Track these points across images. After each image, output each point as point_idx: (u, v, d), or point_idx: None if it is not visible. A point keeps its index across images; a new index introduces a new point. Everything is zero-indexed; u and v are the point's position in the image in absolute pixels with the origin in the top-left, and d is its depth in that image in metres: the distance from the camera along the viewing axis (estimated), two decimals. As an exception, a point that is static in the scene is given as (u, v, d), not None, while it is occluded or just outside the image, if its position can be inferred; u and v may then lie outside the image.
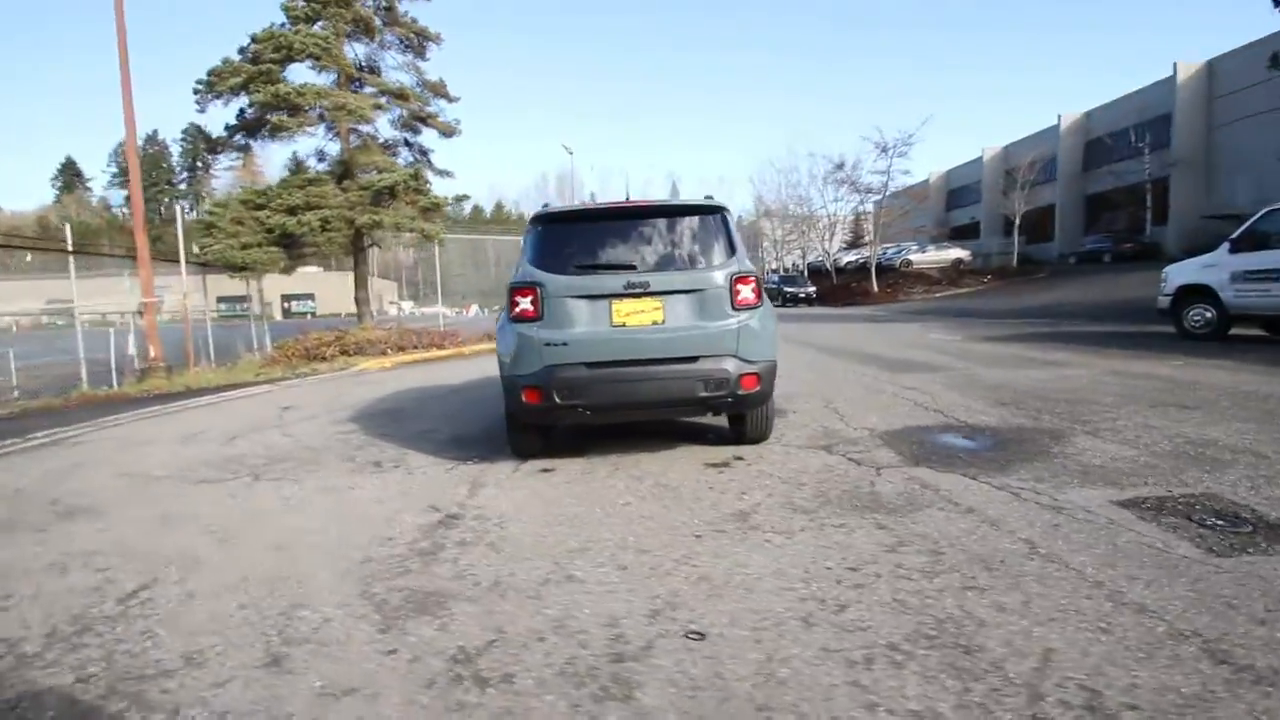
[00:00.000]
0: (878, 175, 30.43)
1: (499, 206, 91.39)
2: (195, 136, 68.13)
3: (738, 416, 4.42)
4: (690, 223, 3.98)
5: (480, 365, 10.89)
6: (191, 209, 68.02)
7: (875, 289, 29.40)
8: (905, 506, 3.16)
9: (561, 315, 3.83)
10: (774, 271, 40.11)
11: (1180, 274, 10.27)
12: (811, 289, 30.80)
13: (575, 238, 3.94)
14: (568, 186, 50.16)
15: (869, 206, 31.55)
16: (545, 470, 4.12)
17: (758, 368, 3.88)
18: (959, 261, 31.32)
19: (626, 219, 3.98)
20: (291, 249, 14.84)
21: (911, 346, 10.57)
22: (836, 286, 32.87)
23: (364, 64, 15.33)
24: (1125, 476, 3.47)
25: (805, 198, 37.94)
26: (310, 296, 53.89)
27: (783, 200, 41.79)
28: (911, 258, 31.50)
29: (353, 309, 16.78)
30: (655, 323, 3.84)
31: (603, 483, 3.78)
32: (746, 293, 3.92)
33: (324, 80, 14.45)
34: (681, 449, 4.51)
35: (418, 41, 15.75)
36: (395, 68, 15.79)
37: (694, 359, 3.85)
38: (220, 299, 26.51)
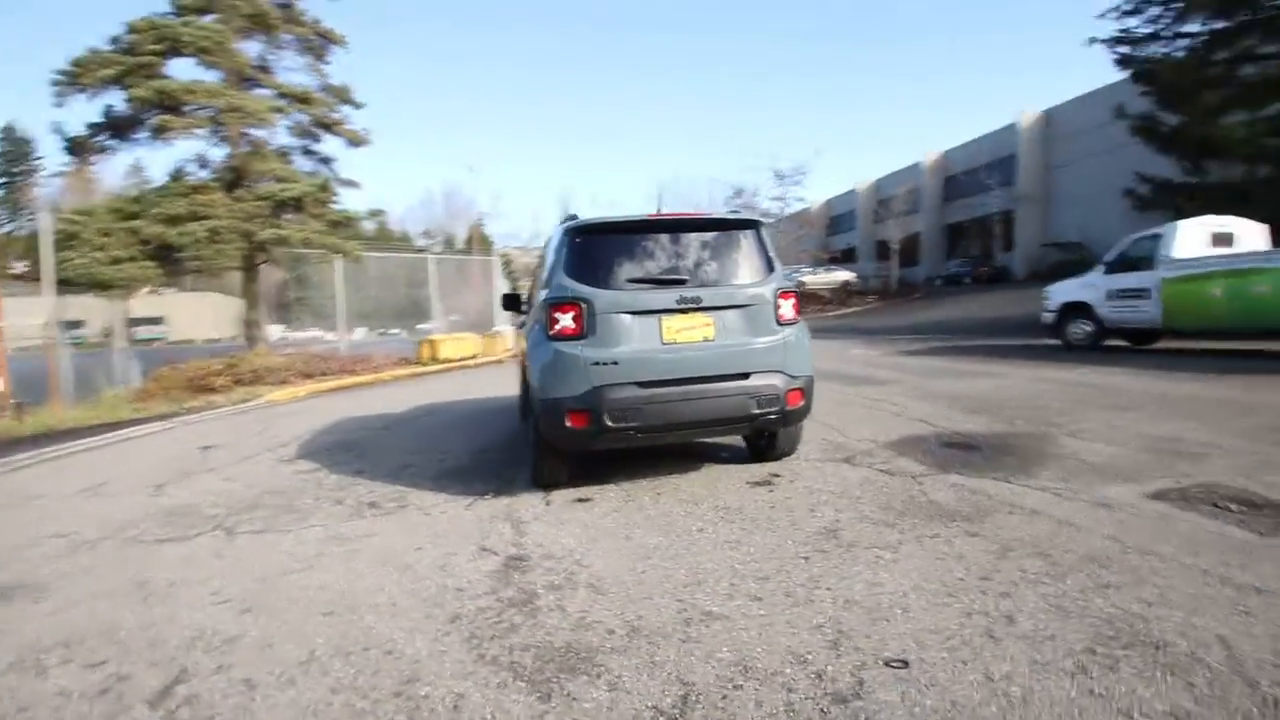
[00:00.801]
0: (776, 202, 32.28)
1: (382, 225, 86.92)
2: (10, 137, 58.93)
3: (759, 433, 4.37)
4: (731, 237, 3.92)
5: (412, 391, 10.14)
6: (8, 220, 58.58)
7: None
8: (975, 513, 3.25)
9: (609, 333, 3.62)
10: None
11: (1062, 293, 11.65)
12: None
13: (618, 250, 3.74)
14: (456, 205, 48.55)
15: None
16: (581, 500, 3.84)
17: (801, 383, 3.87)
18: (846, 283, 33.79)
19: (668, 231, 3.84)
20: (170, 264, 13.12)
21: (845, 362, 11.14)
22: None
23: (258, 64, 14.02)
24: (1133, 472, 3.80)
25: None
26: (159, 320, 47.71)
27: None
28: (804, 279, 33.47)
29: (213, 334, 15.13)
30: (706, 339, 3.72)
31: (656, 510, 3.58)
32: (788, 308, 3.91)
33: (211, 78, 13.03)
34: (707, 469, 4.39)
35: (319, 43, 14.67)
36: (293, 69, 14.59)
37: (745, 375, 3.77)
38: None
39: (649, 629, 2.26)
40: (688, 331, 3.68)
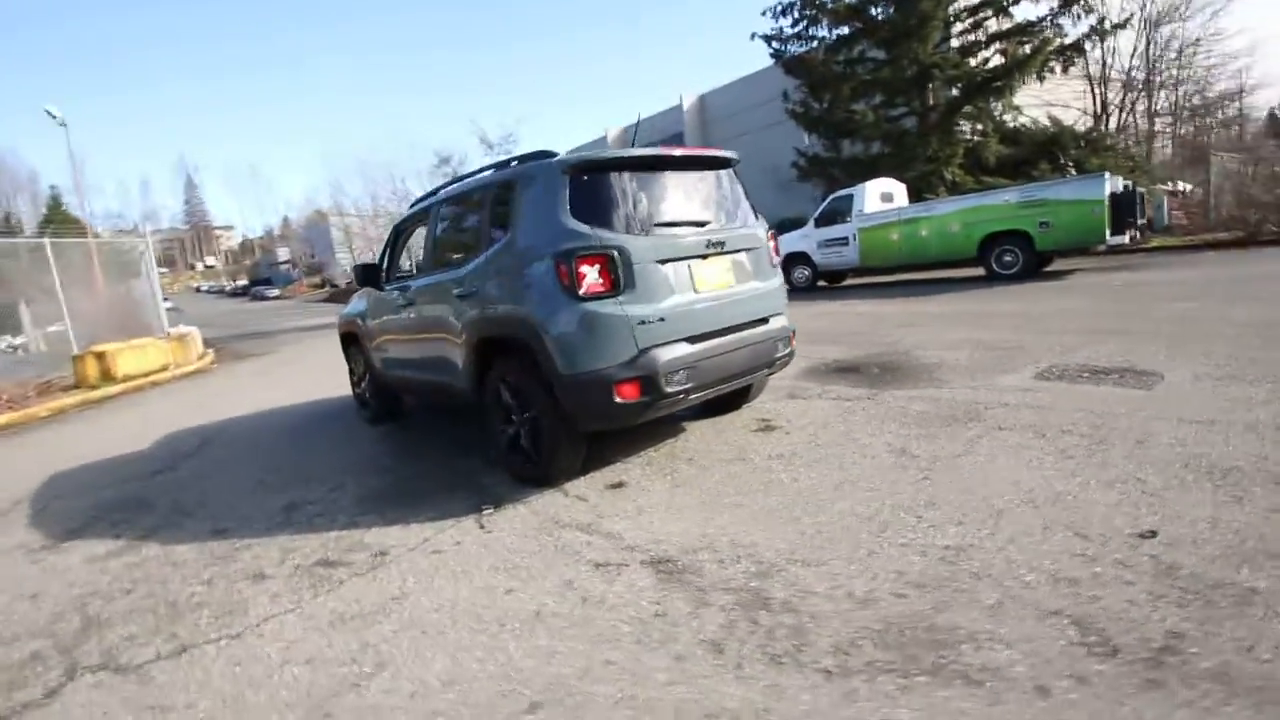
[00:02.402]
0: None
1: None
2: None
3: None
4: (720, 176, 3.62)
5: (110, 428, 7.22)
6: None
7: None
8: (965, 415, 3.73)
9: (647, 285, 3.07)
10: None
11: (786, 244, 13.90)
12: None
13: (627, 190, 3.14)
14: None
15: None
16: (615, 486, 3.27)
17: (793, 325, 3.88)
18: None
19: (672, 168, 3.36)
20: None
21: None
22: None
23: None
24: (999, 366, 4.81)
25: (408, 192, 36.06)
26: None
27: (375, 196, 38.83)
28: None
29: None
30: (728, 285, 3.43)
31: (710, 475, 3.25)
32: (772, 250, 3.84)
33: None
34: (694, 426, 4.14)
35: None
36: None
37: (766, 320, 3.61)
38: None
39: (918, 577, 2.07)
40: (714, 278, 3.36)
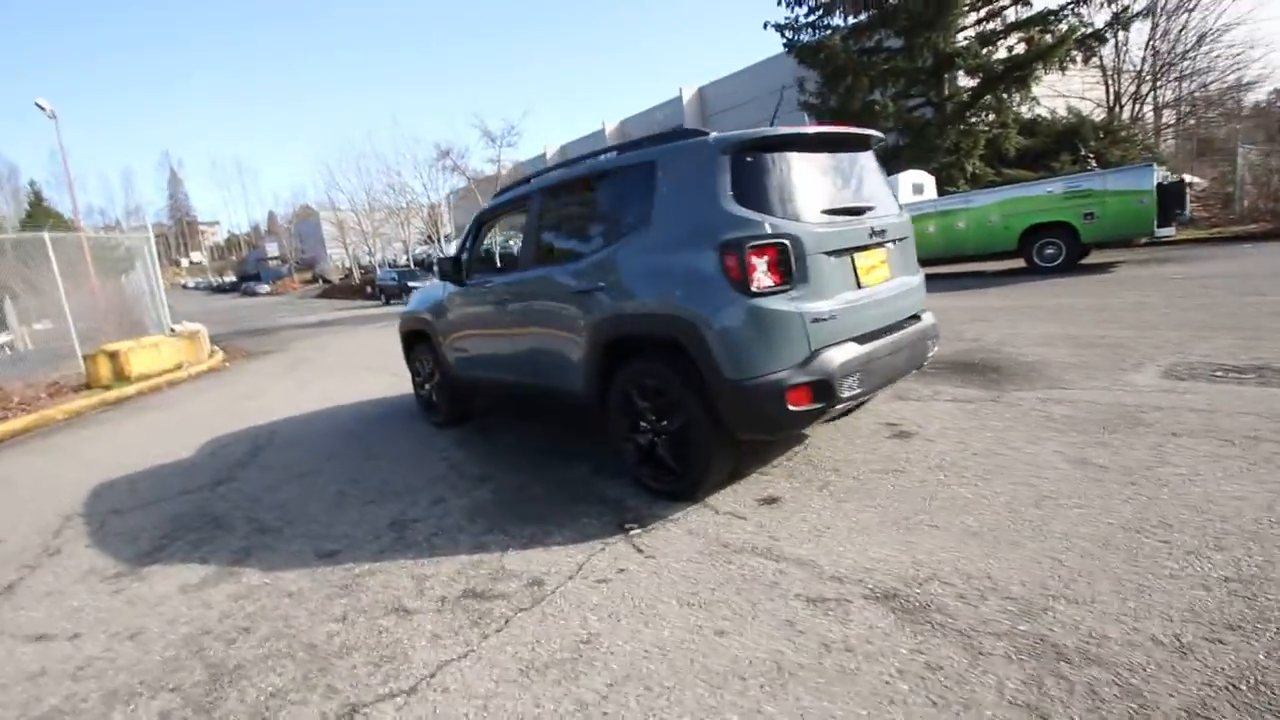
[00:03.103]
0: (490, 164, 30.49)
1: None
2: None
3: None
4: (868, 158, 3.29)
5: (138, 431, 6.79)
6: None
7: (501, 276, 29.90)
8: (1116, 420, 3.45)
9: (818, 279, 2.74)
10: (390, 267, 36.34)
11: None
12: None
13: (791, 172, 2.80)
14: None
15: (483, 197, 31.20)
16: (769, 500, 2.95)
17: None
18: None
19: (827, 148, 3.02)
20: None
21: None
22: (457, 277, 32.08)
23: None
24: (1116, 365, 4.54)
25: (405, 186, 35.40)
26: None
27: (371, 190, 38.06)
28: (523, 244, 32.94)
29: None
30: (886, 279, 3.11)
31: (881, 487, 2.94)
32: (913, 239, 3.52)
33: None
34: (819, 429, 3.83)
35: None
36: None
37: (918, 316, 3.31)
38: None
39: (1221, 617, 1.77)
40: (875, 271, 3.04)
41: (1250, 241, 12.25)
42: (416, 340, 5.18)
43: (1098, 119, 18.92)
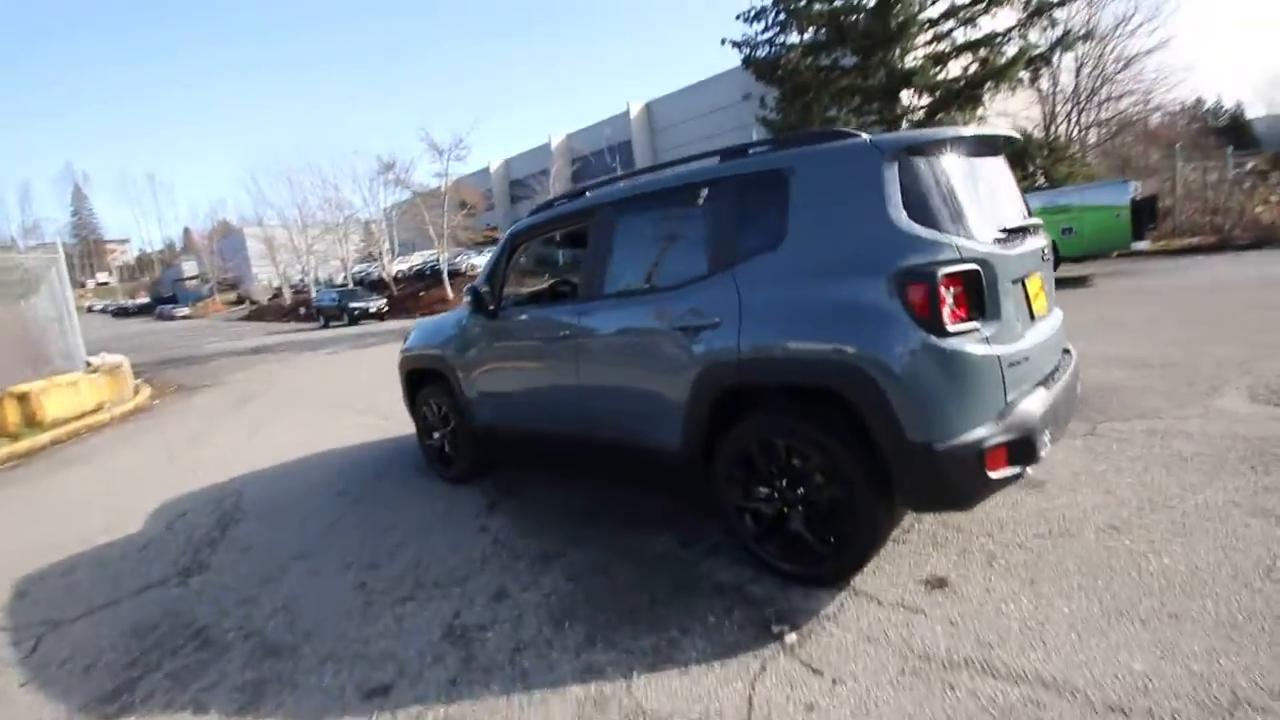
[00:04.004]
0: (438, 178, 29.19)
1: None
2: None
3: None
4: (1004, 163, 2.82)
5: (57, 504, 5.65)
6: None
7: (451, 295, 28.51)
8: None
9: (1005, 312, 2.24)
10: (329, 286, 34.18)
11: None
12: (381, 301, 27.59)
13: (957, 181, 2.29)
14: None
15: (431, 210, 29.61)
16: (935, 583, 2.40)
17: None
18: (515, 262, 33.27)
19: (979, 153, 2.52)
20: None
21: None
22: (403, 296, 30.40)
23: None
24: (1199, 383, 4.29)
25: (344, 201, 33.52)
26: None
27: (305, 205, 35.94)
28: (475, 261, 31.70)
29: None
30: (1047, 308, 2.65)
31: (1074, 559, 2.45)
32: None
33: None
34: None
35: None
36: None
37: (1069, 351, 2.86)
38: None
39: None
40: (1038, 299, 2.57)
41: (1202, 254, 12.82)
42: (426, 381, 4.39)
43: (1037, 138, 19.75)
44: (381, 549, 3.39)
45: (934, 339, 2.08)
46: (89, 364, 11.62)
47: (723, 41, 20.72)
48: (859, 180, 2.25)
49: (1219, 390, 4.24)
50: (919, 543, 2.71)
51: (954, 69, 18.60)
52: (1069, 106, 22.90)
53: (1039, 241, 2.62)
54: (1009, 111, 21.27)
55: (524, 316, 3.57)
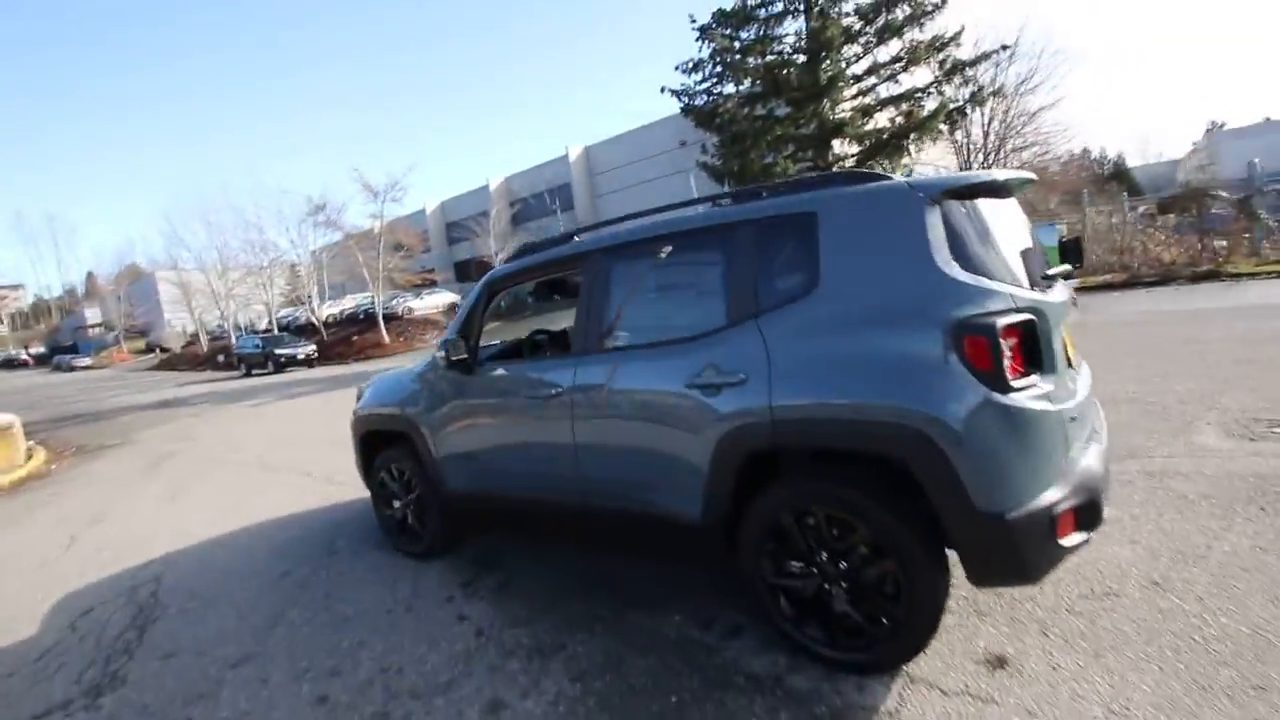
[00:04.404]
0: (373, 219, 28.26)
1: None
2: None
3: None
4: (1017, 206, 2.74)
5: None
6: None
7: (387, 339, 27.31)
8: (1281, 495, 3.11)
9: (1056, 363, 2.10)
10: (251, 332, 32.03)
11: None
12: (310, 347, 26.01)
13: (1001, 226, 2.15)
14: None
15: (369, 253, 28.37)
16: (996, 662, 2.17)
17: None
18: (454, 305, 32.43)
19: (1005, 194, 2.41)
20: None
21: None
22: (334, 341, 28.90)
23: None
24: (1169, 419, 4.37)
25: (269, 243, 31.90)
26: None
27: (225, 247, 34.06)
28: (412, 304, 30.67)
29: None
30: (1075, 361, 2.54)
31: (1131, 624, 2.27)
32: None
33: None
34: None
35: None
36: None
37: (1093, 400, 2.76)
38: None
39: None
40: (1069, 347, 2.46)
41: (1116, 290, 13.77)
42: (386, 444, 3.92)
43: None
44: (341, 648, 2.88)
45: (997, 396, 1.89)
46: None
47: (662, 90, 21.28)
48: (900, 225, 2.09)
49: (1193, 426, 4.32)
50: (961, 610, 2.50)
51: (881, 119, 19.72)
52: (980, 156, 24.63)
53: (1066, 289, 2.54)
54: (928, 160, 22.73)
55: (505, 372, 3.22)
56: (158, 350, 46.04)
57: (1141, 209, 20.63)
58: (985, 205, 2.19)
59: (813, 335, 2.16)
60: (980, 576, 2.02)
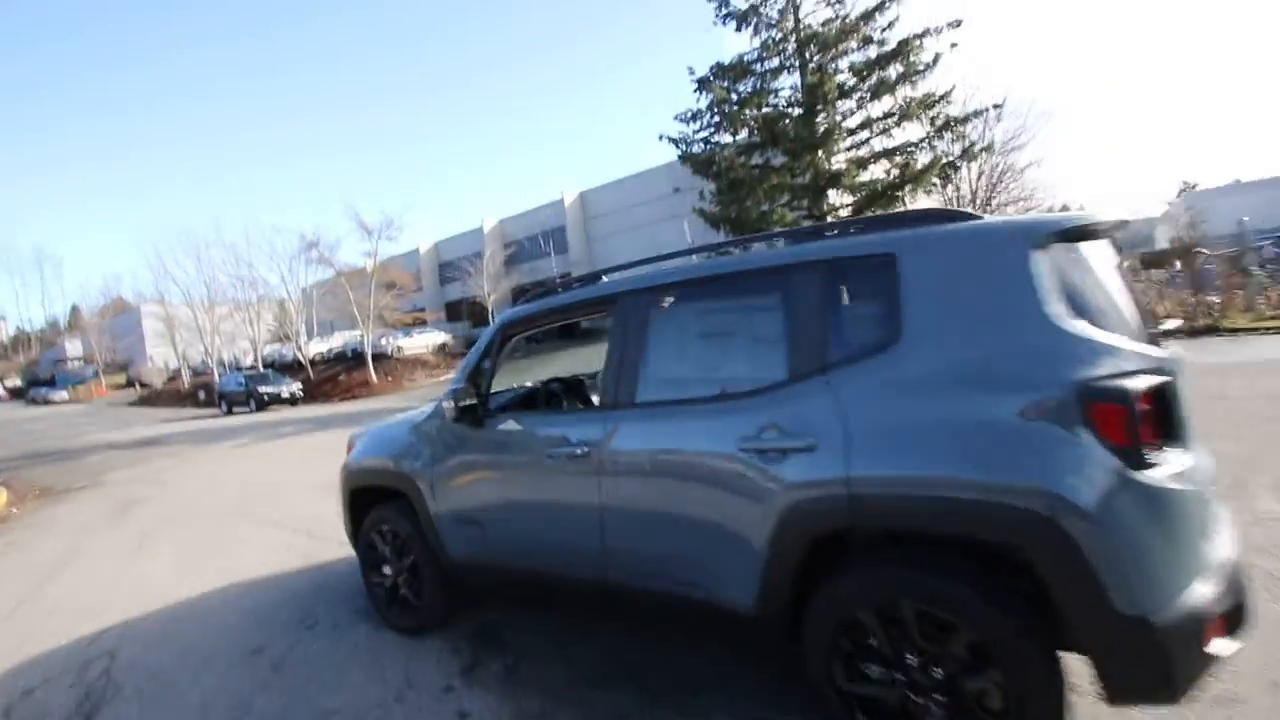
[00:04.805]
0: (367, 257, 28.06)
1: None
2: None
3: None
4: None
5: None
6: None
7: (374, 379, 26.74)
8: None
9: (1189, 434, 1.80)
10: (237, 369, 31.26)
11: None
12: (295, 386, 25.37)
13: (1112, 277, 1.89)
14: None
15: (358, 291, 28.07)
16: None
17: None
18: (444, 345, 32.02)
19: (1104, 235, 2.13)
20: None
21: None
22: (320, 380, 28.27)
23: None
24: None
25: (259, 279, 31.55)
26: None
27: (214, 282, 33.68)
28: (401, 343, 30.23)
29: None
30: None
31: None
32: None
33: None
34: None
35: None
36: None
37: None
38: None
39: None
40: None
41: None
42: (377, 501, 3.52)
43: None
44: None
45: (1135, 473, 1.59)
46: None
47: (660, 137, 21.54)
48: (1001, 271, 1.81)
49: (1247, 490, 4.04)
50: None
51: (876, 171, 20.04)
52: (971, 209, 25.12)
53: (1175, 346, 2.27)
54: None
55: (519, 425, 2.88)
56: (137, 385, 44.97)
57: (1125, 264, 20.98)
58: (1088, 249, 1.93)
59: (899, 396, 1.86)
60: (1118, 693, 1.67)
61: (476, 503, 2.96)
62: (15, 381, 59.93)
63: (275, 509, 6.60)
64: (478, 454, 2.97)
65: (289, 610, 3.87)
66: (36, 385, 50.97)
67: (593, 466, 2.46)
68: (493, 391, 3.20)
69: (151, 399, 37.36)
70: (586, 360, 4.36)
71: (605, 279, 2.85)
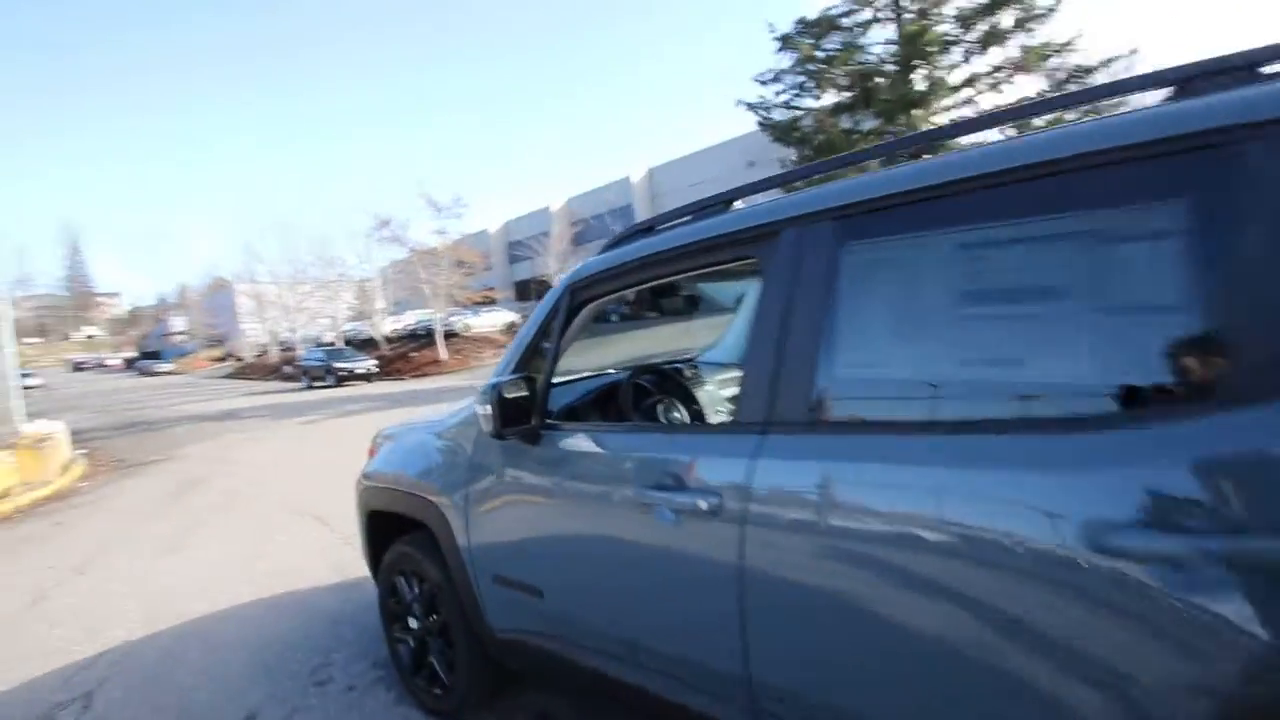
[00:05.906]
0: (438, 235, 28.07)
1: None
2: None
3: None
4: None
5: None
6: None
7: (444, 356, 26.78)
8: None
9: None
10: (316, 345, 32.31)
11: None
12: (371, 362, 25.77)
13: None
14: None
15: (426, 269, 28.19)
16: None
17: None
18: (512, 324, 31.84)
19: None
20: None
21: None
22: (393, 357, 28.65)
23: None
24: None
25: (336, 257, 32.35)
26: None
27: (298, 261, 34.84)
28: (470, 321, 30.23)
29: None
30: None
31: None
32: None
33: None
34: None
35: None
36: None
37: None
38: None
39: None
40: None
41: None
42: (400, 530, 2.64)
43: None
44: None
45: None
46: (18, 436, 9.73)
47: (738, 103, 20.06)
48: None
49: None
50: None
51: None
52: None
53: None
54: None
55: (598, 447, 1.86)
56: (232, 358, 47.69)
57: None
58: None
59: None
60: None
61: (529, 557, 2.00)
62: (131, 354, 65.16)
63: (325, 498, 6.02)
64: (530, 481, 1.99)
65: (302, 654, 3.10)
66: (144, 357, 55.08)
67: (729, 531, 1.42)
68: (554, 382, 2.15)
69: (244, 371, 39.41)
70: (694, 337, 3.32)
71: (737, 205, 1.77)
